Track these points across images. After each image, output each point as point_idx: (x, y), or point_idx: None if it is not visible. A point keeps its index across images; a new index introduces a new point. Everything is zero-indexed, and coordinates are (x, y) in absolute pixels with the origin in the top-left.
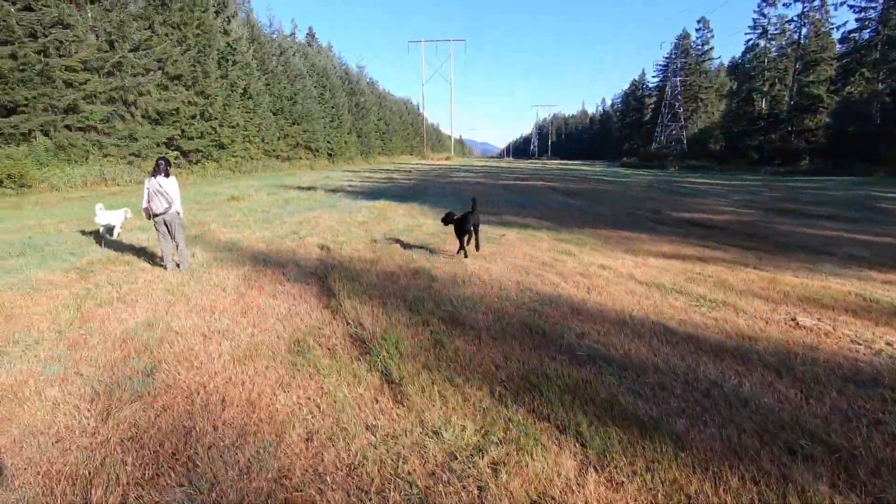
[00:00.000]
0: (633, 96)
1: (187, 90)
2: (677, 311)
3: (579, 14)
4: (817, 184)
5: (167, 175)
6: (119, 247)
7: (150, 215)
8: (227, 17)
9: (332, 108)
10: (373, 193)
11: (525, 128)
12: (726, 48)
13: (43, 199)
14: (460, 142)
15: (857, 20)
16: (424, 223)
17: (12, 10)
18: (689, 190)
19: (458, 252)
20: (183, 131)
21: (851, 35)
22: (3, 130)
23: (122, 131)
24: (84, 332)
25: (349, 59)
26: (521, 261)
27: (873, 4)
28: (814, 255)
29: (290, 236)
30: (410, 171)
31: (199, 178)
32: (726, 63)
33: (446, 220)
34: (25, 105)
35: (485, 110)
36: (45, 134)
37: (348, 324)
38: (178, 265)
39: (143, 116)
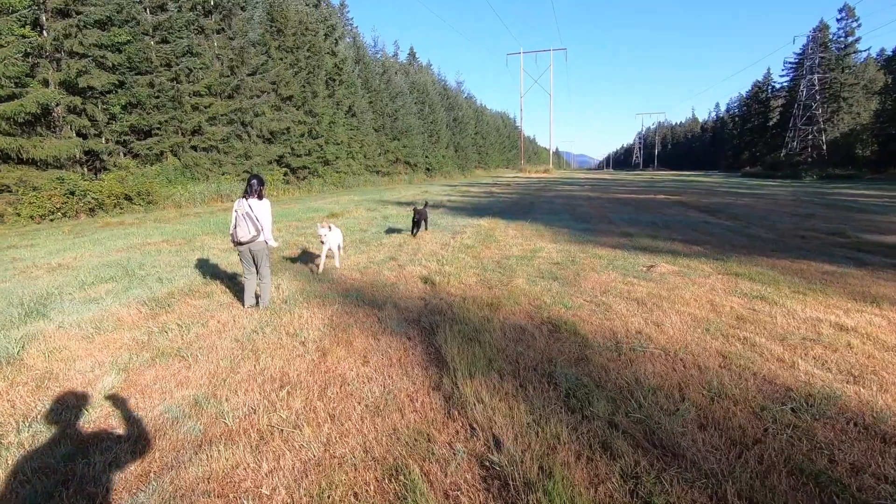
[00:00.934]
0: (756, 99)
1: (297, 110)
2: None
3: (688, 17)
4: None
5: (260, 197)
6: (210, 270)
7: (236, 242)
8: (335, 40)
9: (431, 123)
10: (476, 210)
11: (625, 138)
12: (876, 39)
13: (164, 216)
14: (557, 154)
15: None
16: (543, 247)
17: (152, 42)
18: (855, 204)
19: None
20: (292, 149)
21: None
22: (140, 152)
23: (238, 150)
24: (112, 414)
25: (448, 75)
26: (699, 310)
27: None
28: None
29: (388, 263)
30: (509, 185)
31: (305, 193)
32: (875, 56)
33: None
34: (159, 128)
35: (583, 121)
36: (175, 154)
37: (474, 435)
38: (257, 301)
39: (257, 136)
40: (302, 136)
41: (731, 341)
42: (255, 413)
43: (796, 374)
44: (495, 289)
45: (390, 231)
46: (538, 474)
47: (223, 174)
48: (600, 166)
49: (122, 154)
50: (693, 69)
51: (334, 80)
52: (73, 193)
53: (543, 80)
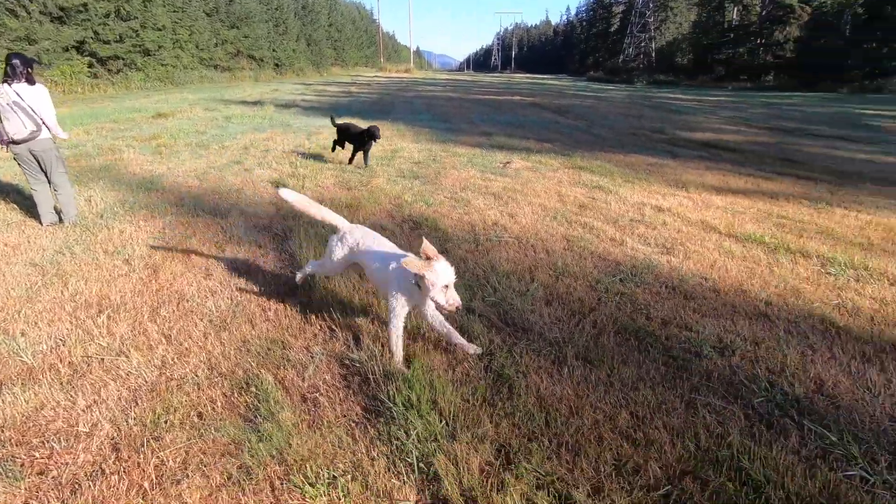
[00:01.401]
0: (601, 4)
1: None
2: (816, 288)
3: None
4: (790, 100)
5: (31, 81)
6: None
7: (7, 142)
8: None
9: (276, 9)
10: (333, 110)
11: (485, 39)
12: None
13: None
14: (418, 53)
15: None
16: (404, 147)
17: None
18: (674, 106)
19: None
20: (96, 33)
21: None
22: None
23: (16, 30)
24: None
25: None
26: (548, 201)
27: None
28: (884, 186)
29: (233, 167)
30: (370, 84)
31: (122, 90)
32: None
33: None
34: None
35: (443, 19)
36: None
37: (333, 337)
38: (60, 217)
39: (41, 13)
40: (107, 16)
41: (573, 226)
42: (63, 345)
43: (625, 250)
44: (354, 189)
45: (234, 133)
46: (401, 371)
47: None
48: (461, 68)
49: None
50: None
51: None
52: None
53: None
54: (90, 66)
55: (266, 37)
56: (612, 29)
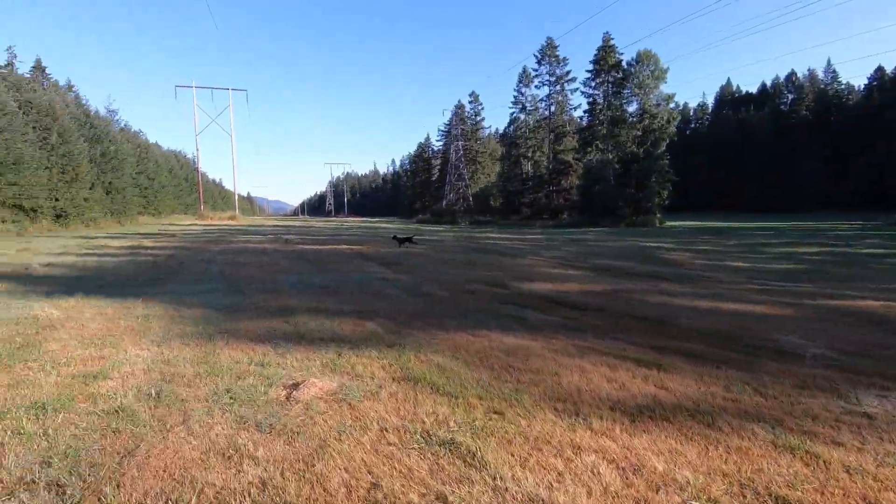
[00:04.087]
0: (421, 158)
1: None
2: None
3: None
4: (586, 235)
5: None
6: None
7: None
8: None
9: (63, 156)
10: (78, 280)
11: (319, 186)
12: (497, 118)
13: None
14: (249, 199)
15: (588, 103)
16: (125, 360)
17: None
18: (500, 247)
19: None
20: None
21: (584, 114)
22: None
23: None
24: None
25: (96, 101)
26: None
27: (597, 92)
28: (781, 358)
29: None
30: (175, 236)
31: None
32: (496, 131)
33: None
34: None
35: (276, 167)
36: None
37: None
38: None
39: None
40: None
41: None
42: None
43: None
44: None
45: None
46: None
47: None
48: (296, 212)
49: None
50: (373, 127)
51: None
52: None
53: (223, 120)
54: None
55: (45, 185)
56: (433, 178)
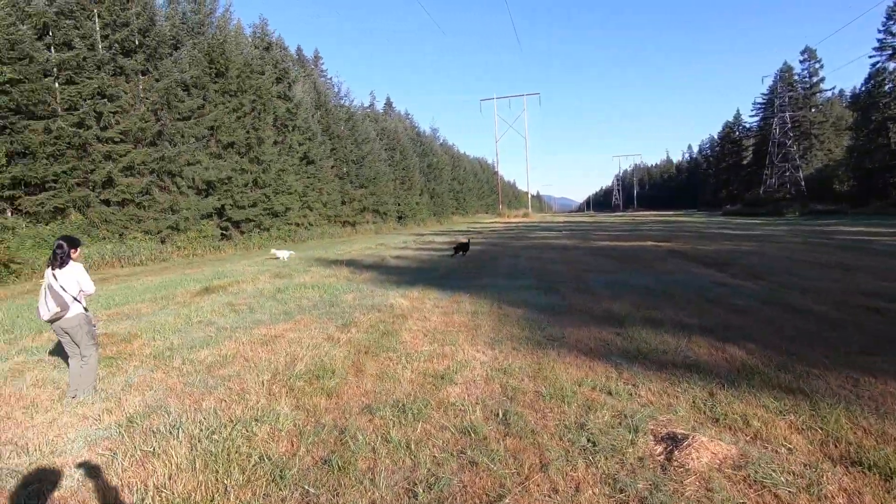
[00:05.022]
0: (728, 139)
1: (241, 157)
2: None
3: (659, 62)
4: None
5: (62, 263)
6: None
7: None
8: (289, 84)
9: (403, 170)
10: (416, 273)
11: (604, 180)
12: (842, 78)
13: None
14: (538, 197)
15: None
16: (466, 363)
17: (56, 85)
18: (866, 244)
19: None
20: (234, 201)
21: None
22: (29, 209)
23: (161, 203)
24: None
25: (423, 122)
26: None
27: None
28: None
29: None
30: (481, 232)
31: (242, 249)
32: (840, 94)
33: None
34: (55, 180)
35: (562, 164)
36: (79, 210)
37: None
38: None
39: (188, 187)
40: (245, 185)
41: None
42: None
43: None
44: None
45: (243, 325)
46: None
47: (145, 233)
48: (581, 208)
49: (8, 212)
50: (665, 113)
51: (286, 126)
52: None
53: (518, 125)
54: (226, 230)
55: (391, 193)
56: (744, 161)
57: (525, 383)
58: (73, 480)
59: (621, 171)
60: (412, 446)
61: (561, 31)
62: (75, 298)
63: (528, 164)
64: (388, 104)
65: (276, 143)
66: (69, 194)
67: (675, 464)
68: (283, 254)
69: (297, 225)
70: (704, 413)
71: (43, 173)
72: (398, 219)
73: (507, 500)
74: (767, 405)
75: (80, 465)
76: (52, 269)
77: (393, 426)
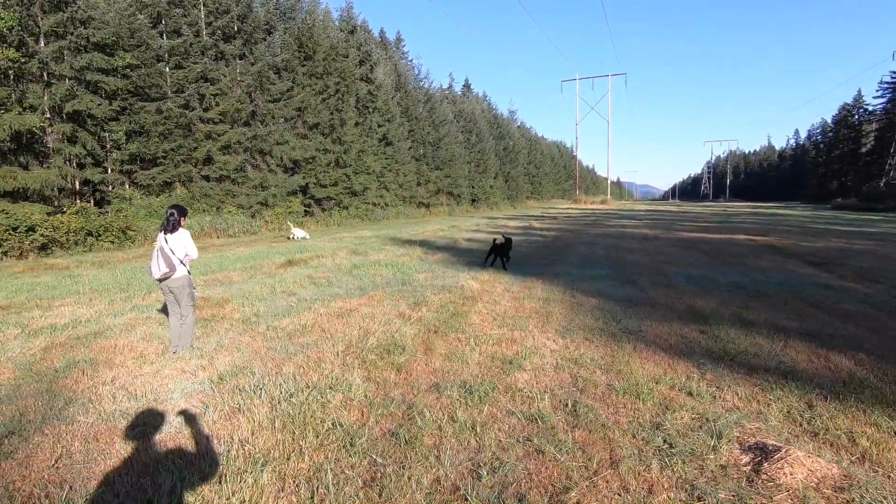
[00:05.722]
0: (845, 123)
1: (324, 138)
2: None
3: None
4: None
5: (174, 229)
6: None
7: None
8: (371, 66)
9: (479, 152)
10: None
11: (692, 168)
12: None
13: (113, 258)
14: (618, 184)
15: None
16: (536, 350)
17: (166, 69)
18: None
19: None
20: (318, 179)
21: None
22: (143, 182)
23: (253, 180)
24: None
25: (501, 104)
26: None
27: None
28: None
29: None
30: (556, 218)
31: (323, 226)
32: None
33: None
34: (164, 157)
35: (646, 149)
36: (184, 184)
37: None
38: None
39: (277, 165)
40: (328, 165)
41: None
42: None
43: None
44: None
45: (321, 297)
46: None
47: (239, 207)
48: (665, 197)
49: (126, 185)
50: (767, 96)
51: (367, 108)
52: (14, 229)
53: (601, 107)
54: (308, 206)
55: (466, 176)
56: (864, 149)
57: (597, 375)
58: (171, 426)
59: (713, 158)
60: (478, 428)
61: (651, 3)
62: (181, 261)
63: (609, 149)
64: (467, 86)
65: (357, 124)
66: (175, 170)
67: (764, 477)
68: (299, 233)
69: (374, 205)
70: (801, 425)
71: (155, 150)
72: (472, 202)
73: (573, 493)
74: (879, 423)
75: (178, 413)
76: (164, 233)
77: (459, 406)
